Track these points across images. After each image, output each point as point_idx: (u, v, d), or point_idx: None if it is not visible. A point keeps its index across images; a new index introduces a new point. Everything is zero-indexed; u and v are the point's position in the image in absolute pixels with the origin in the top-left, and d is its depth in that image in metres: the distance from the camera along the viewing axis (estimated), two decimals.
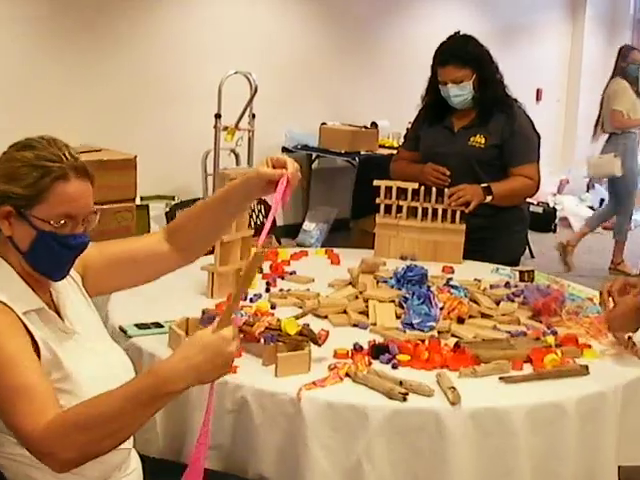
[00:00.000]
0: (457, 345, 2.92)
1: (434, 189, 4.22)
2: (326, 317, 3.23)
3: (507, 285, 3.74)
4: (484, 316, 3.32)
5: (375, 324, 3.18)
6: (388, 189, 4.25)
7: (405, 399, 2.53)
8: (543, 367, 2.85)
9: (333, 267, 4.07)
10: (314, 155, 9.03)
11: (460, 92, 4.35)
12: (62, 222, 2.14)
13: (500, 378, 2.75)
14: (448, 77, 4.34)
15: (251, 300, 3.36)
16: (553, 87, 12.67)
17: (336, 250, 4.30)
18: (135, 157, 6.71)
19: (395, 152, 5.23)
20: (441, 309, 3.23)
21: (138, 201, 7.00)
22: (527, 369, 2.86)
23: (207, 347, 2.00)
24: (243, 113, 7.32)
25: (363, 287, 3.49)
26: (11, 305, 2.10)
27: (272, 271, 3.84)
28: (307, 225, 8.89)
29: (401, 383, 2.60)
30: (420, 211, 4.22)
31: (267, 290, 3.54)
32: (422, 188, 4.22)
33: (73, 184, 2.14)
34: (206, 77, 7.63)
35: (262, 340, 2.73)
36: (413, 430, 2.53)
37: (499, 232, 4.47)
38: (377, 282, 3.59)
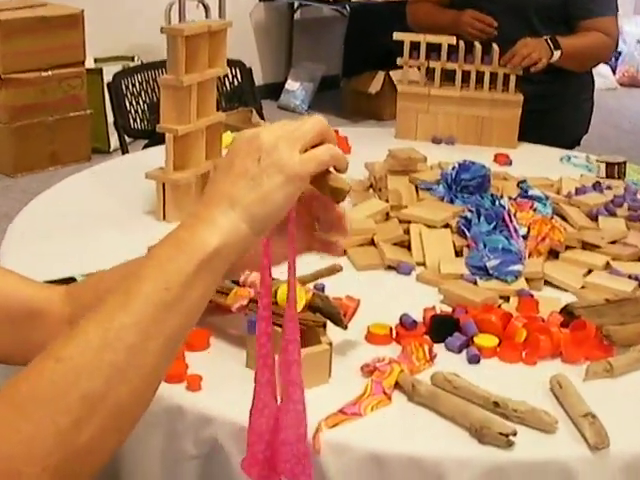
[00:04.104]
0: (568, 311, 1.76)
1: (478, 45, 3.01)
2: (345, 252, 2.06)
3: (597, 187, 2.56)
4: (586, 246, 2.15)
5: (424, 264, 2.02)
6: (414, 45, 3.03)
7: (510, 443, 1.38)
8: None
9: None
10: (296, 4, 7.94)
11: None
12: None
13: None
14: None
15: None
16: None
17: (343, 131, 3.09)
18: (82, 11, 5.72)
19: None
20: (524, 238, 2.06)
21: (90, 64, 6.03)
22: None
23: (227, 152, 0.98)
24: None
25: (396, 198, 2.30)
26: None
27: None
28: (290, 84, 7.90)
29: (497, 405, 1.45)
30: (459, 75, 3.01)
31: None
32: (462, 43, 3.00)
33: None
34: None
35: (245, 322, 1.56)
36: None
37: (561, 102, 3.26)
38: (416, 189, 2.40)
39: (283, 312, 1.51)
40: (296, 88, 7.79)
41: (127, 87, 3.61)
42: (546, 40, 2.99)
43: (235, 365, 1.57)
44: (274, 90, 7.70)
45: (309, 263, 1.68)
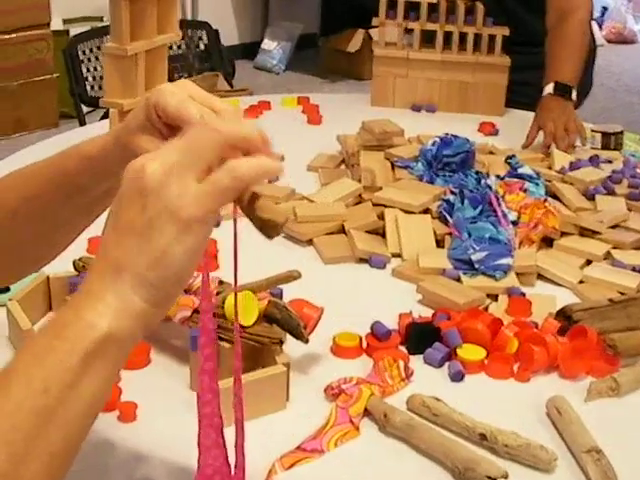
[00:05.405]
0: (566, 315, 1.54)
1: (461, 3, 2.76)
2: (310, 242, 1.84)
3: (594, 160, 2.33)
4: (583, 232, 1.92)
5: (400, 256, 1.79)
6: (391, 3, 2.78)
7: None
8: None
9: (311, 130, 2.63)
10: None
11: None
12: None
13: None
14: None
15: None
16: None
17: (315, 98, 2.86)
18: None
19: None
20: (514, 224, 1.83)
21: (58, 25, 5.78)
22: None
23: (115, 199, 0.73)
24: None
25: (369, 178, 2.06)
26: None
27: None
28: (267, 44, 7.64)
29: (484, 437, 1.22)
30: (441, 37, 2.77)
31: None
32: (443, 2, 2.76)
33: None
34: None
35: (189, 337, 1.33)
36: None
37: None
38: (392, 166, 2.17)
39: (231, 326, 1.29)
40: (273, 47, 7.53)
41: (84, 52, 3.36)
42: (564, 98, 2.59)
43: (177, 386, 1.34)
44: (250, 50, 7.45)
45: (265, 264, 1.46)
